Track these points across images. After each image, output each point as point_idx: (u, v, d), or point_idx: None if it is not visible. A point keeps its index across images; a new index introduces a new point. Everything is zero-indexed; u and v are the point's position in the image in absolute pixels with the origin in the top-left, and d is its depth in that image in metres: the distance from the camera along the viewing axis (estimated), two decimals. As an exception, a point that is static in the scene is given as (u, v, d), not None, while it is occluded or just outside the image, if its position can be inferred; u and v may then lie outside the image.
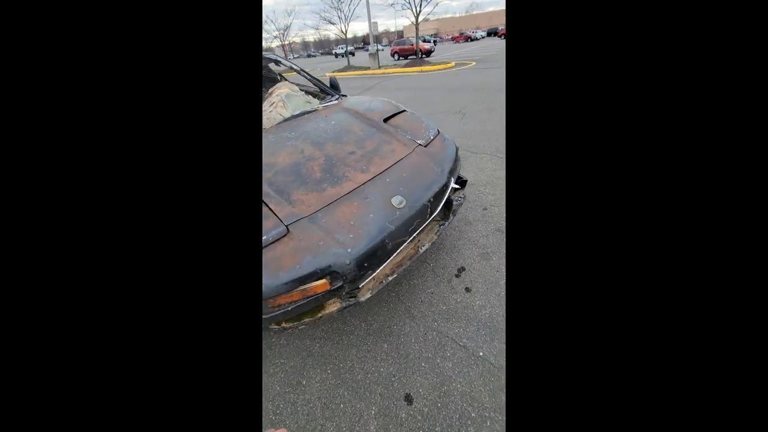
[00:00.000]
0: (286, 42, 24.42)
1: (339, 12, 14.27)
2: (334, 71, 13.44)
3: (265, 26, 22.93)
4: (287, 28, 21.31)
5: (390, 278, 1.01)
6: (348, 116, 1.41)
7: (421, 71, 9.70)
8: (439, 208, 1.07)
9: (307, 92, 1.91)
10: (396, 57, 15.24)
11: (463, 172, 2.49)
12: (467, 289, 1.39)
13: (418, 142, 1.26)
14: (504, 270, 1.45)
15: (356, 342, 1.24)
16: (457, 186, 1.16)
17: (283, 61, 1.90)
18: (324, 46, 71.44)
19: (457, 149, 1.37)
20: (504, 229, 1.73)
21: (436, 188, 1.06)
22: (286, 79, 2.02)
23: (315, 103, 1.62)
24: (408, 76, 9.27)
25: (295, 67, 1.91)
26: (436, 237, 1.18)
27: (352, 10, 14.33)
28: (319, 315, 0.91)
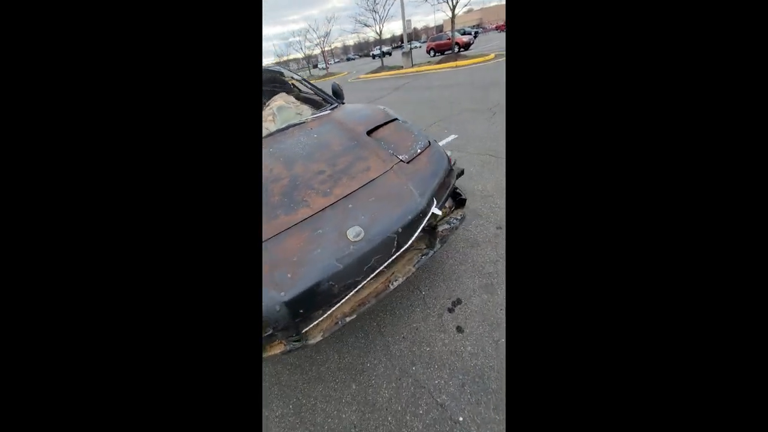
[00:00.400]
0: (327, 48, 25.64)
1: (374, 14, 14.37)
2: (367, 73, 13.60)
3: (307, 35, 24.48)
4: (327, 34, 22.33)
5: (348, 319, 0.88)
6: (332, 128, 1.31)
7: (456, 66, 9.17)
8: (411, 240, 0.90)
9: (308, 100, 1.87)
10: (432, 53, 14.72)
11: (482, 180, 2.21)
12: (459, 329, 1.18)
13: (400, 157, 1.09)
14: (509, 309, 1.19)
15: (325, 376, 1.14)
16: (439, 212, 0.96)
17: (286, 71, 1.89)
18: (363, 49, 73.32)
19: (451, 163, 1.16)
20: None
21: (409, 217, 0.89)
22: (298, 89, 2.02)
23: (306, 114, 1.56)
24: (441, 72, 8.85)
25: (295, 76, 1.89)
26: (414, 269, 1.00)
27: (387, 11, 14.30)
28: None
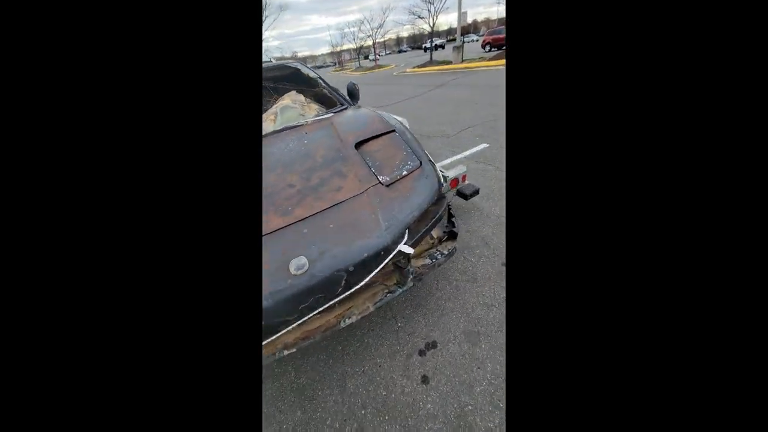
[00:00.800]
0: (380, 39, 25.56)
1: (430, 5, 13.75)
2: (414, 67, 13.20)
3: (361, 26, 24.65)
4: (381, 26, 22.20)
5: (286, 352, 0.81)
6: (325, 135, 1.22)
7: (510, 64, 8.33)
8: (366, 281, 0.78)
9: (322, 99, 1.81)
10: (487, 48, 13.63)
11: (501, 202, 1.94)
12: (425, 379, 1.03)
13: (380, 179, 0.96)
14: (490, 368, 1.01)
15: (277, 393, 1.10)
16: (409, 250, 0.82)
17: (303, 68, 1.86)
18: (417, 41, 71.55)
19: (441, 190, 0.99)
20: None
21: (365, 253, 0.77)
22: (322, 83, 1.99)
23: (310, 115, 1.51)
24: (492, 70, 8.14)
25: (311, 74, 1.84)
26: (372, 309, 0.89)
27: (443, 2, 13.56)
28: None
